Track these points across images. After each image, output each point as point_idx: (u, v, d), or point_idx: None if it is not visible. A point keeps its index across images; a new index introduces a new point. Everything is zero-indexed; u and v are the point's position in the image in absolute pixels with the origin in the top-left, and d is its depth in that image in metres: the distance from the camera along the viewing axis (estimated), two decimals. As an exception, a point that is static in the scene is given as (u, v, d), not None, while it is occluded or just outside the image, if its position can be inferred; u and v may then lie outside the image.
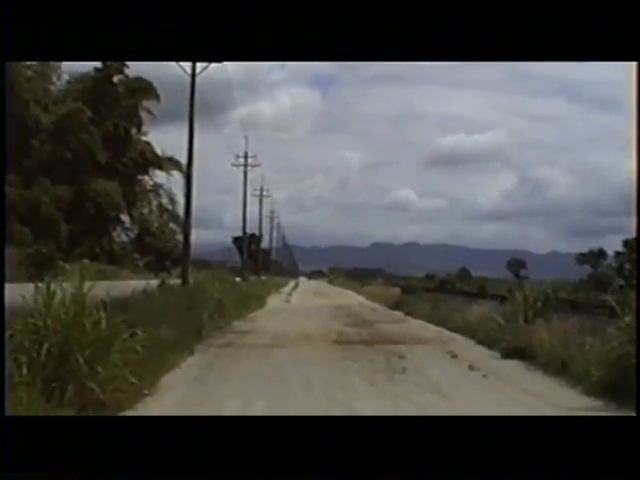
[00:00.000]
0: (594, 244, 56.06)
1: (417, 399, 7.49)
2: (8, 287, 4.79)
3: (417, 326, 18.20)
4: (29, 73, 41.56)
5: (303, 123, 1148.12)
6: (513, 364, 10.51)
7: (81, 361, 6.26)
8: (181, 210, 34.13)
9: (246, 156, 47.48)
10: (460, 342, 13.83)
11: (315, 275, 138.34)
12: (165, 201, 52.97)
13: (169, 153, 50.86)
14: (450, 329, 16.08)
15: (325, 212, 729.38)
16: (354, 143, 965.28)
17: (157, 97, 49.20)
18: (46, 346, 6.17)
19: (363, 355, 11.28)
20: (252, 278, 48.27)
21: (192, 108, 20.74)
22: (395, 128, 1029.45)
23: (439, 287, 28.83)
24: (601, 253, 50.49)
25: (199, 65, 20.68)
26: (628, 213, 5.07)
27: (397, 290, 33.12)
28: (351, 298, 39.23)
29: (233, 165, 47.53)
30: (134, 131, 49.64)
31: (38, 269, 24.06)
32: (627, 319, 7.81)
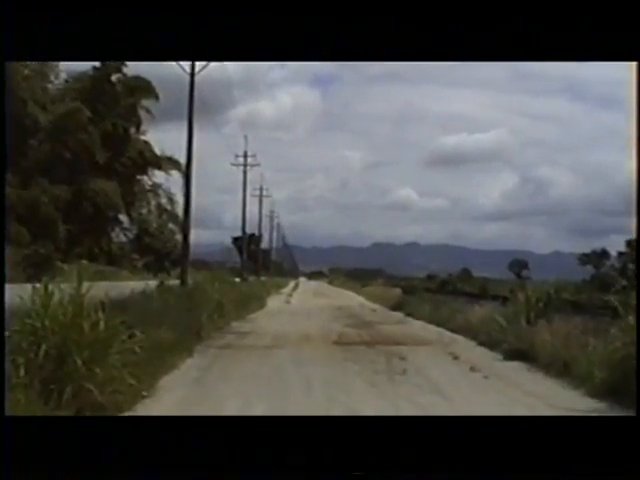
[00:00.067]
0: (597, 244, 56.12)
1: (418, 400, 7.47)
2: (6, 288, 4.78)
3: (418, 327, 18.14)
4: (27, 72, 41.43)
5: (303, 122, 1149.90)
6: (515, 365, 10.46)
7: (79, 362, 6.22)
8: (180, 210, 34.12)
9: (246, 155, 47.51)
10: (461, 343, 13.78)
11: (315, 275, 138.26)
12: (164, 201, 52.97)
13: (168, 153, 50.84)
14: (451, 330, 16.02)
15: (325, 212, 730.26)
16: (354, 142, 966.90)
17: (156, 96, 49.13)
18: (44, 347, 6.12)
19: (364, 356, 11.24)
20: (252, 279, 48.25)
21: (191, 107, 20.69)
22: (396, 127, 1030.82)
23: (440, 288, 28.73)
24: (604, 253, 50.26)
25: (198, 64, 20.60)
26: (631, 213, 5.06)
27: (398, 291, 33.04)
28: (351, 299, 39.17)
29: (232, 165, 47.55)
30: (133, 130, 49.56)
31: (36, 270, 24.04)
32: (630, 320, 7.74)
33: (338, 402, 7.28)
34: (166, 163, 50.82)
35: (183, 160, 23.56)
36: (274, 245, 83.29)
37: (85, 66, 46.61)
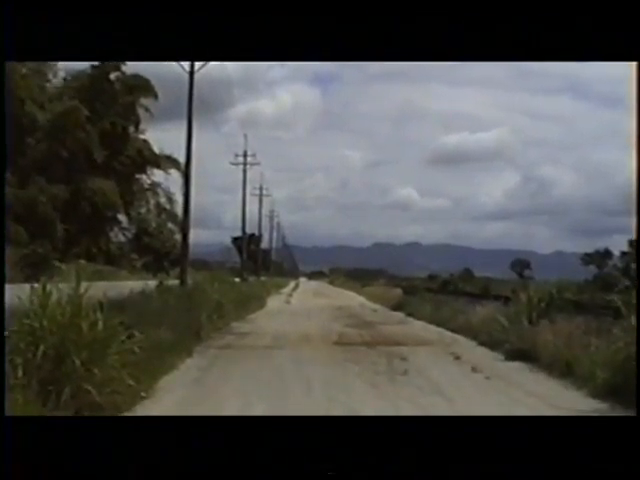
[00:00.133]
0: (599, 244, 56.05)
1: (419, 401, 7.46)
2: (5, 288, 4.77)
3: (419, 327, 18.12)
4: (25, 70, 41.32)
5: (303, 121, 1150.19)
6: (517, 366, 10.43)
7: (77, 363, 6.18)
8: (179, 209, 34.16)
9: (245, 155, 47.38)
10: (463, 344, 13.74)
11: (315, 275, 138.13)
12: (163, 200, 52.93)
13: (167, 151, 50.77)
14: (453, 330, 15.97)
15: (325, 212, 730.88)
16: (355, 142, 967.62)
17: (155, 95, 49.07)
18: (42, 348, 6.09)
19: (364, 357, 11.22)
20: (252, 279, 48.19)
21: (190, 106, 20.65)
22: (396, 126, 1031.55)
23: (441, 288, 28.67)
24: (606, 253, 50.05)
25: (197, 62, 20.59)
26: (633, 213, 5.06)
27: (399, 291, 32.98)
28: (352, 299, 39.12)
29: (232, 164, 47.41)
30: (131, 129, 49.48)
31: (34, 269, 23.97)
32: (633, 320, 7.70)
33: (338, 402, 7.27)
34: (165, 162, 50.76)
35: (182, 159, 23.55)
36: (274, 245, 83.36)
37: (83, 64, 46.55)
